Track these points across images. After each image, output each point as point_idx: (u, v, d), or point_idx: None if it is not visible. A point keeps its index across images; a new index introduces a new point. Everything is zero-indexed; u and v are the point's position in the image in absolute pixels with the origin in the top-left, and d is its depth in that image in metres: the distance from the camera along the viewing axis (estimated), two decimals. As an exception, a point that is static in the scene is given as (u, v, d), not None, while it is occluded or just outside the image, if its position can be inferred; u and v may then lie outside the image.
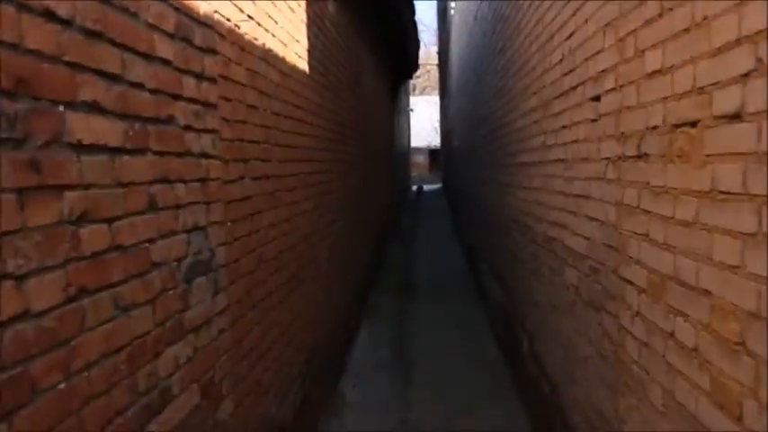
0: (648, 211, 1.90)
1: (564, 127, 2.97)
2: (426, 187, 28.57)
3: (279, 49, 3.36)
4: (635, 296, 2.08)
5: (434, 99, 34.29)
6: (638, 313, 2.05)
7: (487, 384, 5.22)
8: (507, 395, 4.95)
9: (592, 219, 2.51)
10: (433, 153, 40.93)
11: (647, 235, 1.92)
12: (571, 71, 2.79)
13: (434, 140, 35.84)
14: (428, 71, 42.78)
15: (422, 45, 21.68)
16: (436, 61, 29.86)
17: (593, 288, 2.52)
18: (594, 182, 2.47)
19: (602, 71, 2.32)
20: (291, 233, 3.67)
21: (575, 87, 2.73)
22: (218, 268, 2.31)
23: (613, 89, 2.21)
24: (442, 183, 26.39)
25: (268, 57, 3.11)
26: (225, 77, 2.45)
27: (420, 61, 35.42)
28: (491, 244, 6.51)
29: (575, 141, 2.78)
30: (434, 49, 31.06)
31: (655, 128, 1.82)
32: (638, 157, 1.99)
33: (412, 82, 37.36)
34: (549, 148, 3.35)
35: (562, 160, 3.05)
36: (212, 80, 2.30)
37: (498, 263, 5.94)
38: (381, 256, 10.47)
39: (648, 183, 1.89)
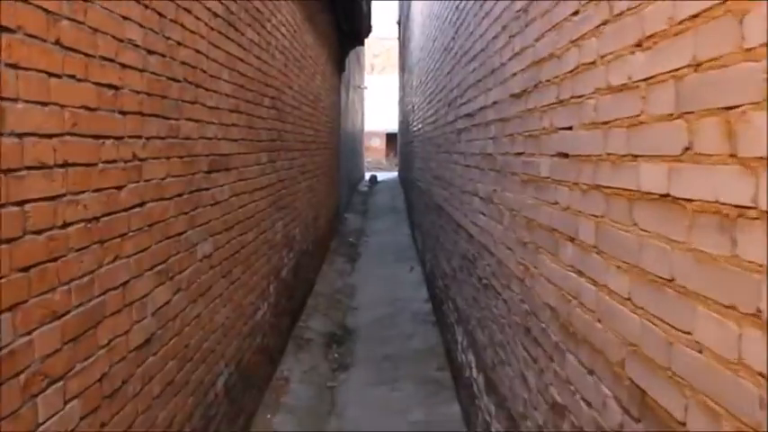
0: None
1: None
2: (381, 176, 25.51)
3: None
4: None
5: (394, 79, 31.13)
6: None
7: None
8: None
9: None
10: (390, 137, 38.04)
11: None
12: None
13: (392, 125, 32.94)
14: (387, 50, 39.60)
15: (381, 22, 18.50)
16: (396, 35, 26.63)
17: None
18: None
19: None
20: None
21: None
22: None
23: None
24: (399, 174, 23.36)
25: None
26: None
27: (378, 37, 32.11)
28: (479, 319, 3.53)
29: None
30: (394, 21, 27.71)
31: None
32: None
33: (369, 62, 34.06)
34: None
35: None
36: None
37: (488, 358, 2.99)
38: (310, 283, 7.39)
39: None
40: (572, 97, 1.86)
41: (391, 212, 15.01)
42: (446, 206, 5.49)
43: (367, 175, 25.07)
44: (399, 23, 21.55)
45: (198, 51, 2.93)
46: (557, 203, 2.02)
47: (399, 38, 22.22)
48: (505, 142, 2.88)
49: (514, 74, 2.68)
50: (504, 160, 2.91)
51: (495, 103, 3.15)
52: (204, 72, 3.04)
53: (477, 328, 3.68)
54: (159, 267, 2.42)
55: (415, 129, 10.79)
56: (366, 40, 16.75)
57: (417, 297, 7.41)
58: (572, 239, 1.86)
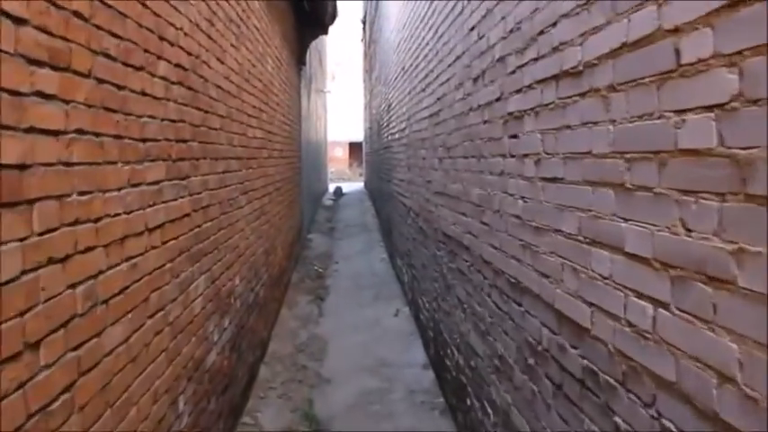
0: None
1: None
2: (346, 187, 23.39)
3: None
4: None
5: (356, 86, 29.11)
6: None
7: None
8: None
9: None
10: (353, 146, 36.33)
11: None
12: None
13: (355, 134, 31.02)
14: (349, 58, 37.83)
15: (342, 28, 16.56)
16: (359, 38, 24.58)
17: None
18: None
19: None
20: None
21: None
22: None
23: None
24: (366, 185, 21.30)
25: None
26: None
27: (339, 38, 30.11)
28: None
29: None
30: (358, 29, 25.59)
31: None
32: None
33: (330, 70, 31.91)
34: None
35: None
36: None
37: None
38: (262, 345, 5.27)
39: None
40: None
41: (362, 231, 12.93)
42: (474, 246, 3.46)
43: (331, 187, 22.95)
44: (364, 22, 19.61)
45: None
46: None
47: (364, 39, 20.25)
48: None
49: None
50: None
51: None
52: None
53: None
54: None
55: (393, 131, 8.78)
56: (327, 47, 14.63)
57: (412, 360, 5.34)
58: None
